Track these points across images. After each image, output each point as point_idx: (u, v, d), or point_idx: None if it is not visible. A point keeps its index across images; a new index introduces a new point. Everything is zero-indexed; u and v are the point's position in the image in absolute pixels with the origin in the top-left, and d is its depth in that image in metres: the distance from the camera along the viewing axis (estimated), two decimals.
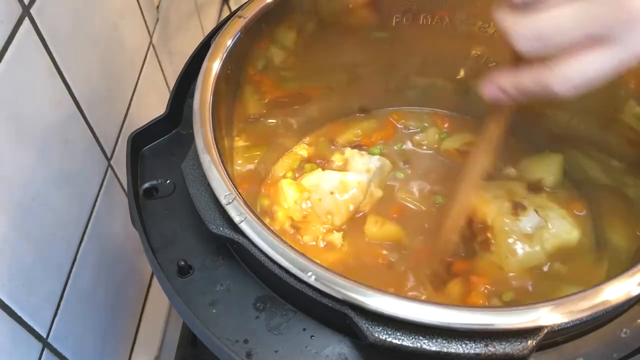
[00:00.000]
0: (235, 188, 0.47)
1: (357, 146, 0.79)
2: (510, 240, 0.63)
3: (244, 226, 0.45)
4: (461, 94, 0.80)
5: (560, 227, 0.64)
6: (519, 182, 0.71)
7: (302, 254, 0.43)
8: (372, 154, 0.75)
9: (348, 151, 0.75)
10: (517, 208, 0.65)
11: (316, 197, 0.67)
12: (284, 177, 0.75)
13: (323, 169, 0.73)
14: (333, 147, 0.80)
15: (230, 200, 0.46)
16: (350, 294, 0.41)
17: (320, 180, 0.69)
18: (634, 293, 0.41)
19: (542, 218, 0.64)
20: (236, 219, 0.45)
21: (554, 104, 0.71)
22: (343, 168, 0.74)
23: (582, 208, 0.70)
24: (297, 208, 0.68)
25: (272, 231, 0.45)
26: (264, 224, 0.45)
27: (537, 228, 0.63)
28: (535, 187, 0.70)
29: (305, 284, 0.42)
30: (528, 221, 0.64)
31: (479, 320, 0.39)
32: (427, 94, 0.83)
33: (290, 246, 0.44)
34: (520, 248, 0.62)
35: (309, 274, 0.42)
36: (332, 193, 0.67)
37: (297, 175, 0.75)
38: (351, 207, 0.69)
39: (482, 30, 0.71)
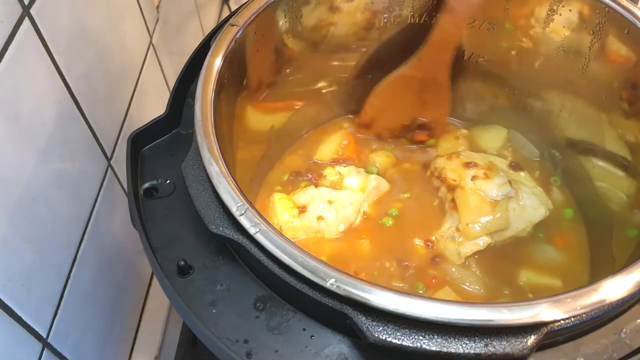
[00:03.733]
0: (246, 198, 0.47)
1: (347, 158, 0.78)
2: (473, 200, 0.67)
3: (259, 237, 0.44)
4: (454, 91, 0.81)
5: (528, 201, 0.68)
6: (503, 159, 0.76)
7: (322, 261, 0.43)
8: (370, 172, 0.74)
9: (345, 168, 0.73)
10: (489, 176, 0.69)
11: (307, 216, 0.67)
12: (276, 191, 0.74)
13: (316, 186, 0.72)
14: (321, 162, 0.80)
15: (243, 211, 0.46)
16: (355, 291, 0.41)
17: (312, 198, 0.68)
18: (633, 290, 0.41)
19: (513, 189, 0.68)
20: (251, 230, 0.45)
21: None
22: (338, 183, 0.72)
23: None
24: (288, 225, 0.67)
25: (288, 240, 0.44)
26: (279, 233, 0.45)
27: (505, 197, 0.67)
28: (516, 166, 0.75)
29: (324, 290, 0.42)
30: (497, 188, 0.67)
31: (479, 316, 0.40)
32: None
33: (309, 254, 0.44)
34: (482, 212, 0.67)
35: (331, 281, 0.42)
36: (320, 217, 0.66)
37: (289, 187, 0.75)
38: (341, 228, 0.69)
39: (469, 26, 0.71)
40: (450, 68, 0.69)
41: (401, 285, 0.66)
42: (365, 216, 0.71)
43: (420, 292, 0.65)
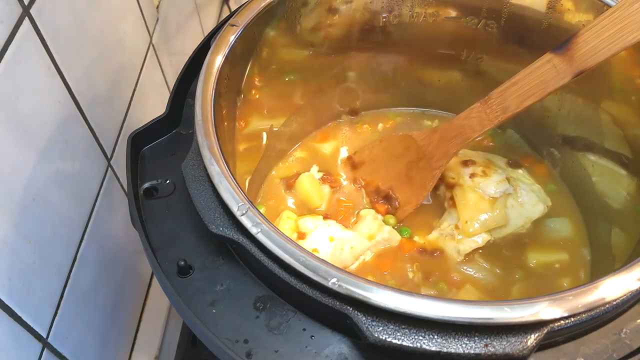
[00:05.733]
0: (247, 198, 0.47)
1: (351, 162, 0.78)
2: (472, 198, 0.68)
3: (261, 237, 0.44)
4: (451, 91, 0.81)
5: (526, 198, 0.69)
6: (500, 157, 0.76)
7: (323, 260, 0.43)
8: (387, 223, 0.71)
9: (364, 211, 0.72)
10: (487, 174, 0.69)
11: (304, 243, 0.65)
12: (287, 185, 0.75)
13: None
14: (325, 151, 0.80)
15: (245, 211, 0.46)
16: (357, 290, 0.41)
17: (315, 227, 0.66)
18: (633, 287, 0.41)
19: (511, 186, 0.68)
20: (253, 230, 0.45)
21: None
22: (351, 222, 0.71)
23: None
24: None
25: (289, 239, 0.44)
26: (281, 233, 0.45)
27: (503, 194, 0.67)
28: (514, 163, 0.75)
29: (325, 290, 0.42)
30: (495, 185, 0.67)
31: (478, 314, 0.40)
32: (416, 93, 0.83)
33: (310, 253, 0.44)
34: (481, 209, 0.67)
35: (333, 280, 0.42)
36: (315, 250, 0.64)
37: (293, 180, 0.75)
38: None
39: (469, 25, 0.71)
40: (447, 162, 0.67)
41: None
42: (362, 262, 0.68)
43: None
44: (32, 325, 0.54)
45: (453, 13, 0.71)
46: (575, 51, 0.55)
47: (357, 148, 0.79)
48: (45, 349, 0.57)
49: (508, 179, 0.69)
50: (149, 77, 0.85)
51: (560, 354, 0.44)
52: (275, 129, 0.76)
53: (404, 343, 0.40)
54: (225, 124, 0.61)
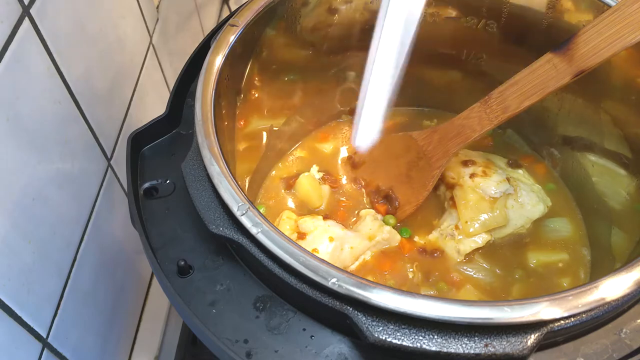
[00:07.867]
0: (247, 198, 0.47)
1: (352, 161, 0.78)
2: (472, 198, 0.68)
3: (261, 237, 0.44)
4: (450, 91, 0.81)
5: (527, 198, 0.69)
6: (500, 157, 0.76)
7: (323, 260, 0.43)
8: (387, 223, 0.71)
9: (364, 211, 0.72)
10: (487, 174, 0.69)
11: (303, 243, 0.65)
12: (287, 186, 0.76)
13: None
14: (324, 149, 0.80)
15: (245, 211, 0.46)
16: (356, 290, 0.41)
17: (315, 228, 0.66)
18: (633, 287, 0.41)
19: (512, 186, 0.68)
20: (253, 230, 0.45)
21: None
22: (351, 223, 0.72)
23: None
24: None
25: (289, 239, 0.44)
26: (281, 233, 0.45)
27: (503, 194, 0.68)
28: (514, 163, 0.75)
29: (325, 290, 0.42)
30: (495, 186, 0.68)
31: (478, 314, 0.40)
32: (416, 93, 0.83)
33: (310, 253, 0.44)
34: (481, 209, 0.67)
35: (333, 280, 0.42)
36: (315, 250, 0.64)
37: (293, 180, 0.75)
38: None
39: (469, 25, 0.71)
40: (447, 162, 0.67)
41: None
42: (362, 261, 0.68)
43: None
44: (32, 325, 0.54)
45: (453, 13, 0.71)
46: (575, 51, 0.55)
47: None
48: (45, 349, 0.57)
49: (508, 179, 0.69)
50: (149, 77, 0.85)
51: (560, 354, 0.44)
52: (275, 129, 0.76)
53: (404, 343, 0.40)
54: (225, 123, 0.61)
